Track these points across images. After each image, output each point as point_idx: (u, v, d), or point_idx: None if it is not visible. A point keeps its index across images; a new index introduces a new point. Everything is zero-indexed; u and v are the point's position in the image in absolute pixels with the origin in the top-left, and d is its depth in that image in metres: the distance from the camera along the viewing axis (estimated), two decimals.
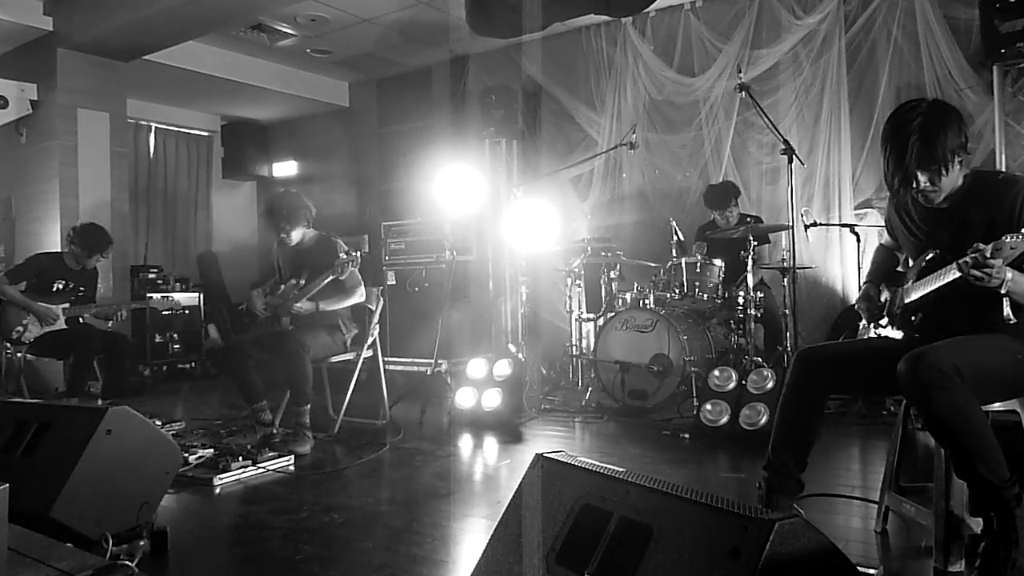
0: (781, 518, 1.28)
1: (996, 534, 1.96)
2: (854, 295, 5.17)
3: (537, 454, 1.76)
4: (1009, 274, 1.96)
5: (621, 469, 1.61)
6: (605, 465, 1.64)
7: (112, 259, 5.86)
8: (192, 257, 8.70)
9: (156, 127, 8.42)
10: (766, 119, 4.66)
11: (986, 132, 4.86)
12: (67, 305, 5.09)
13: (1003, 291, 1.98)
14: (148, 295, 6.34)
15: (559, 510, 1.61)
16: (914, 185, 2.16)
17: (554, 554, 1.54)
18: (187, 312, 7.11)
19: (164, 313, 6.63)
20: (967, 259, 1.97)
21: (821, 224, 5.01)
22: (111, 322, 5.34)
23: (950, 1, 5.07)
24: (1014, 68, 4.69)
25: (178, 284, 7.35)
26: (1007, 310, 2.00)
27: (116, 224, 6.24)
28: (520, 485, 1.72)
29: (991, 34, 4.57)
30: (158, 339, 6.95)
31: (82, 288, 5.23)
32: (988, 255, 1.92)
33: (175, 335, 7.05)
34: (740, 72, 4.68)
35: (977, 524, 2.07)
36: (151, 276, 7.09)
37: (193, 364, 7.20)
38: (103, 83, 6.49)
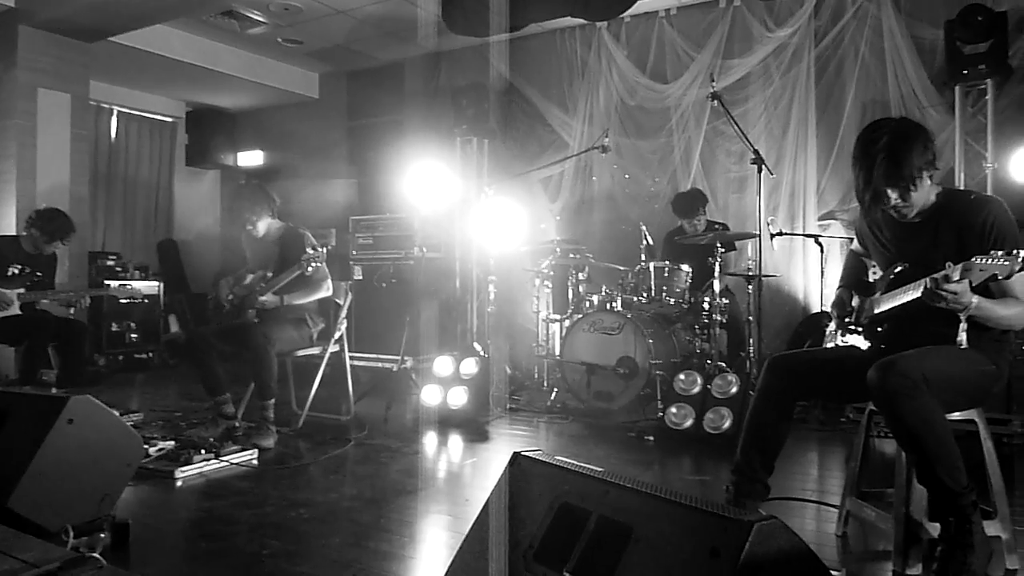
0: (760, 519, 1.30)
1: (953, 539, 2.02)
2: (816, 304, 5.29)
3: (515, 452, 1.77)
4: (975, 300, 2.01)
5: (599, 469, 1.63)
6: (584, 465, 1.65)
7: (69, 244, 5.71)
8: (152, 245, 8.52)
9: (119, 111, 8.23)
10: (737, 128, 4.74)
11: (946, 150, 4.98)
12: (23, 290, 4.94)
13: (963, 316, 2.03)
14: (106, 282, 6.20)
15: (537, 508, 1.62)
16: (884, 201, 2.21)
17: (532, 551, 1.55)
18: (146, 301, 6.98)
19: (122, 301, 6.51)
20: (927, 286, 2.02)
21: (786, 233, 5.10)
22: (73, 309, 5.20)
23: (917, 21, 5.21)
24: (975, 89, 4.84)
25: (137, 272, 7.19)
26: (962, 335, 2.04)
27: (74, 208, 6.07)
28: (498, 483, 1.73)
29: (955, 55, 4.71)
30: (115, 328, 6.80)
31: (39, 273, 5.08)
32: (950, 278, 1.97)
33: (133, 324, 6.92)
34: (713, 81, 4.75)
35: (935, 529, 2.13)
36: (109, 263, 6.93)
37: (150, 354, 7.06)
38: (66, 63, 6.32)
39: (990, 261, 1.91)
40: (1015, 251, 1.89)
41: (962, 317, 2.04)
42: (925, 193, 2.23)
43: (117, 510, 2.50)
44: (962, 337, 2.05)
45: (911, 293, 2.16)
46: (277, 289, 4.07)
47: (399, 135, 7.52)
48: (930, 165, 2.20)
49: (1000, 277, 1.91)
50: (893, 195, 2.20)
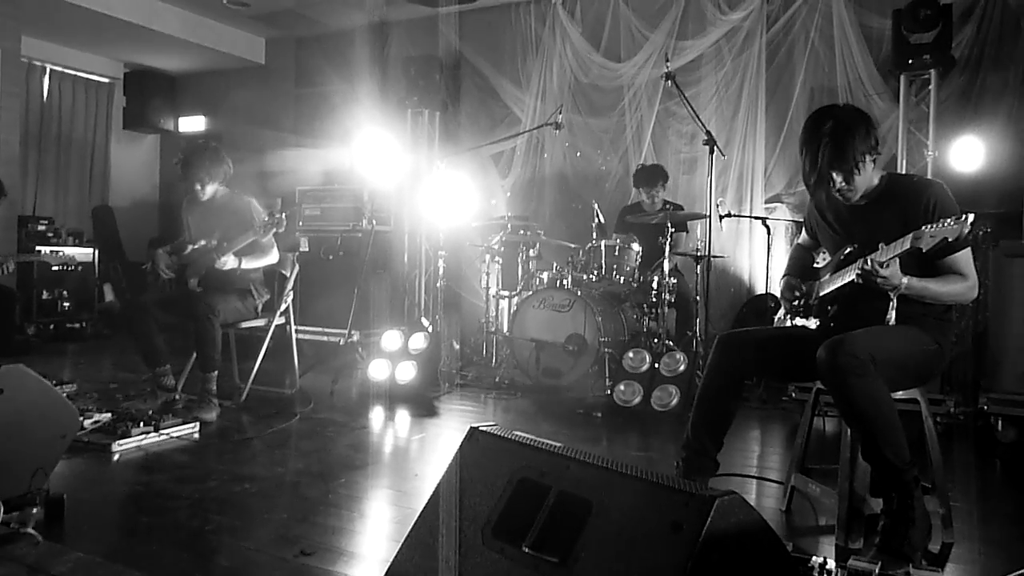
0: (720, 494, 1.31)
1: (895, 513, 2.09)
2: (761, 285, 5.39)
3: (472, 427, 1.75)
4: (904, 280, 2.12)
5: (559, 444, 1.62)
6: (543, 440, 1.64)
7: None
8: (86, 210, 8.16)
9: (52, 69, 7.83)
10: (690, 109, 4.76)
11: (889, 138, 5.11)
12: None
13: (893, 295, 2.13)
14: (37, 248, 5.93)
15: (495, 483, 1.60)
16: (830, 184, 2.27)
17: (490, 527, 1.53)
18: (79, 268, 6.72)
19: (54, 268, 6.24)
20: (859, 270, 2.13)
21: (734, 215, 5.16)
22: None
23: (865, 10, 5.30)
24: (919, 79, 4.95)
25: (71, 238, 6.89)
26: (891, 313, 2.15)
27: (4, 170, 5.80)
28: (454, 457, 1.70)
29: (901, 44, 4.80)
30: (46, 296, 6.51)
31: None
32: (879, 260, 2.08)
33: (65, 292, 6.63)
34: (667, 61, 4.74)
35: (877, 504, 2.19)
36: (41, 228, 6.62)
37: (84, 324, 6.79)
38: None
39: (939, 227, 2.01)
40: (963, 215, 1.98)
41: (892, 296, 2.15)
42: (868, 177, 2.30)
43: (51, 484, 2.39)
44: (891, 315, 2.17)
45: (849, 275, 2.22)
46: (236, 252, 3.93)
47: (348, 104, 7.34)
48: (873, 150, 2.27)
49: (950, 239, 2.00)
50: (838, 179, 2.26)
